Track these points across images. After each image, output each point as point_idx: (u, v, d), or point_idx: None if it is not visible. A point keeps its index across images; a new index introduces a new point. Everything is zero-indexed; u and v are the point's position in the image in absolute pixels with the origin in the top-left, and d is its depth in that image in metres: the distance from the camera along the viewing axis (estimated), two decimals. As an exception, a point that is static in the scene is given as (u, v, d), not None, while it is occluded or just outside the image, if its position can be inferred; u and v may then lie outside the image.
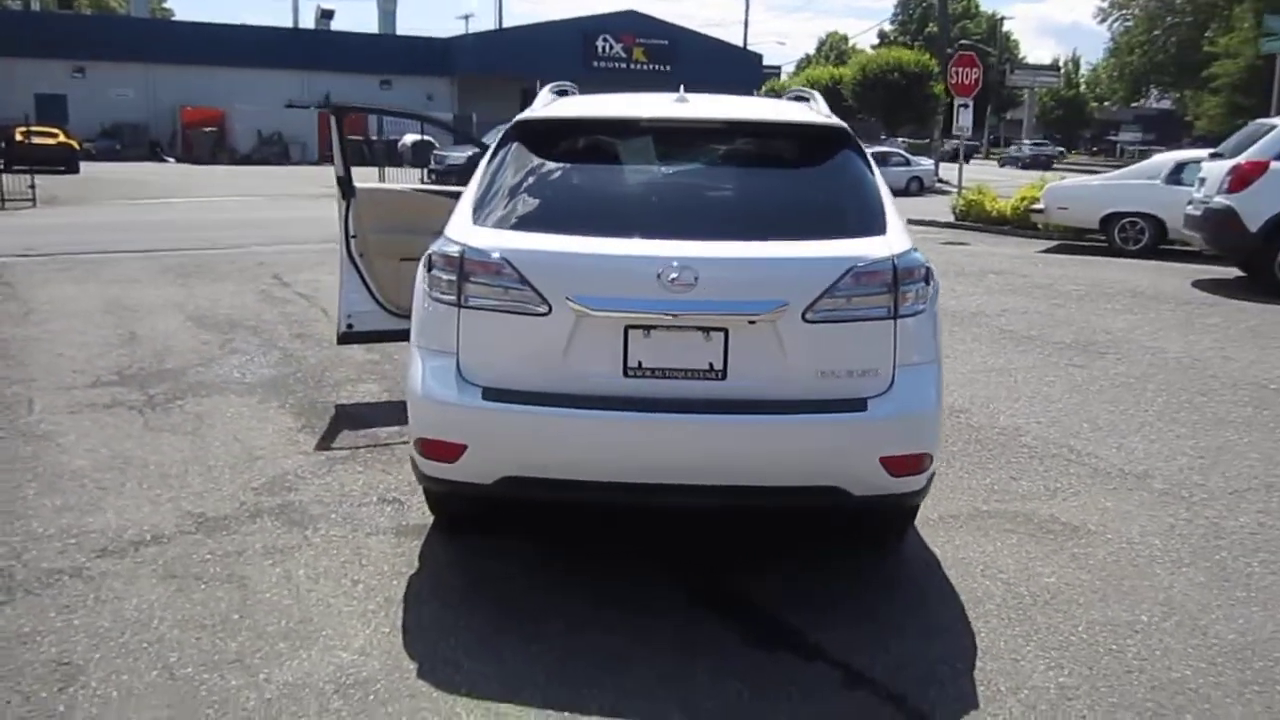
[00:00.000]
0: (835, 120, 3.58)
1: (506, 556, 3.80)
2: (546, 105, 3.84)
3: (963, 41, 56.26)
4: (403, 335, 5.88)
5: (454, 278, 3.19)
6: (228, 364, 6.62)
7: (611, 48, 44.30)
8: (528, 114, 3.67)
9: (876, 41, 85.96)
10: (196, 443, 5.00)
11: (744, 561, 3.84)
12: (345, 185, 5.65)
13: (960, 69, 17.50)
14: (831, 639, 3.26)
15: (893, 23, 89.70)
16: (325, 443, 5.09)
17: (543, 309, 3.13)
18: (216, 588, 3.47)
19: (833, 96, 40.35)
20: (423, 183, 25.20)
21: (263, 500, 4.27)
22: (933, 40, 72.46)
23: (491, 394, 3.17)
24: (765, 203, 3.41)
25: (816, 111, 3.79)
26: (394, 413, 5.57)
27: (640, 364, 3.14)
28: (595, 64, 43.77)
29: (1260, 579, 3.80)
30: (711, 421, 3.11)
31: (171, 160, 37.03)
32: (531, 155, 3.52)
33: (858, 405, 3.16)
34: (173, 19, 58.35)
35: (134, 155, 36.34)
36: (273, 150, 38.87)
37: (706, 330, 3.12)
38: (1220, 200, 9.82)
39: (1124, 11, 68.74)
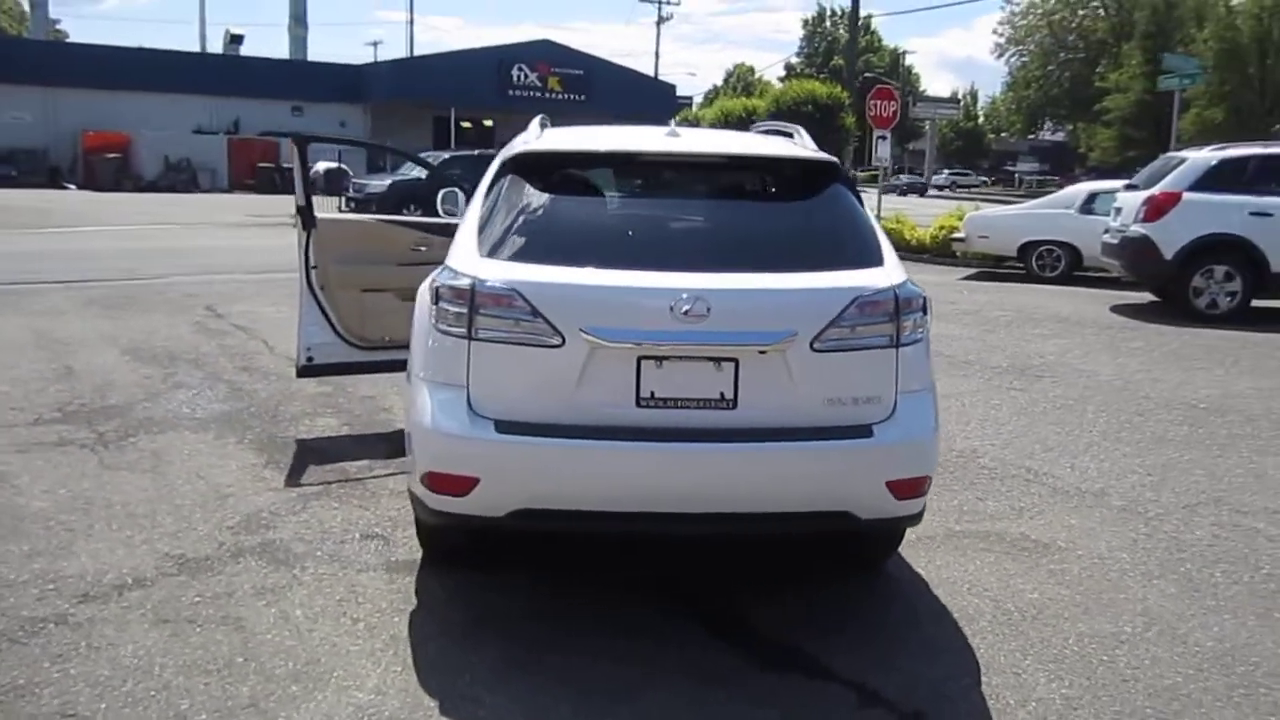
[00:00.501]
0: (826, 155, 3.69)
1: (505, 590, 3.78)
2: (539, 138, 3.86)
3: (867, 74, 58.00)
4: (364, 368, 5.88)
5: (464, 310, 3.18)
6: (174, 399, 6.42)
7: (526, 77, 44.31)
8: (525, 147, 3.69)
9: (784, 74, 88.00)
10: (159, 481, 4.84)
11: (742, 587, 3.89)
12: (306, 215, 5.57)
13: (878, 101, 18.05)
14: (841, 661, 3.33)
15: (799, 55, 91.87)
16: (294, 479, 4.98)
17: (556, 340, 3.14)
18: (213, 630, 3.37)
19: (747, 127, 41.13)
20: (340, 211, 24.97)
21: (242, 539, 4.16)
22: (837, 73, 74.40)
23: (504, 426, 3.16)
24: (768, 235, 3.49)
25: (803, 146, 3.90)
26: (357, 447, 5.50)
27: (653, 394, 3.17)
28: (511, 92, 43.71)
29: (1225, 589, 4.00)
30: (724, 450, 3.16)
31: (73, 187, 35.61)
32: (531, 187, 3.54)
33: (864, 431, 3.25)
34: (71, 41, 56.37)
35: (32, 182, 34.84)
36: (180, 177, 37.70)
37: (718, 360, 3.17)
38: (1137, 229, 10.32)
39: (1020, 47, 71.72)
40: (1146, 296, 11.73)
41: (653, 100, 47.62)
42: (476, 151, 24.67)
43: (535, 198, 3.53)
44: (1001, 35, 73.69)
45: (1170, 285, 10.45)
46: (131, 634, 3.31)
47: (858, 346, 3.23)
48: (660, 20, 65.88)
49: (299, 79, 43.24)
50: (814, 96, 33.95)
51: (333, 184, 31.38)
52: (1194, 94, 47.55)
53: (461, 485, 3.20)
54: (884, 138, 17.99)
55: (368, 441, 5.68)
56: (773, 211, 3.60)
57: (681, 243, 3.48)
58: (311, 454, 5.38)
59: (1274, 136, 39.19)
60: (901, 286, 3.30)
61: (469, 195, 5.78)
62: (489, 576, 3.87)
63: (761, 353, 3.17)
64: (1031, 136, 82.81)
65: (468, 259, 3.33)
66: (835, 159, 3.64)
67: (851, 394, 3.25)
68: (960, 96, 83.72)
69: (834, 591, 3.93)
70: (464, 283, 3.21)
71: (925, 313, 3.35)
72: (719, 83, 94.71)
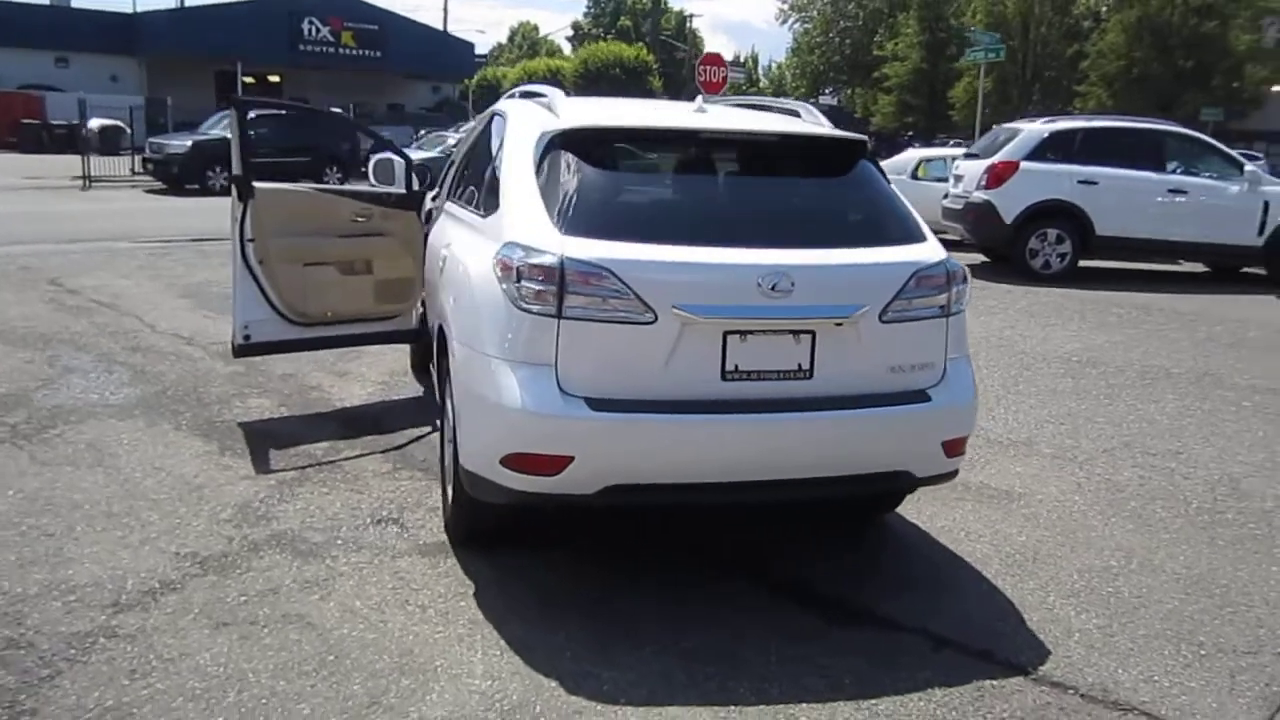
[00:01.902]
0: (858, 134, 3.86)
1: (552, 567, 3.78)
2: (579, 114, 3.80)
3: (657, 37, 58.75)
4: (304, 345, 5.62)
5: (553, 288, 3.14)
6: (74, 385, 5.88)
7: (318, 31, 42.06)
8: (578, 122, 3.63)
9: (571, 34, 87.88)
10: (115, 476, 4.47)
11: (776, 550, 4.06)
12: (243, 185, 5.21)
13: (708, 67, 18.44)
14: (897, 610, 3.57)
15: (587, 15, 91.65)
16: (262, 466, 4.71)
17: (647, 317, 3.17)
18: (283, 630, 3.20)
19: (558, 87, 40.89)
20: (135, 173, 23.03)
21: (249, 533, 3.94)
22: (625, 34, 75.21)
23: (597, 404, 3.17)
24: (827, 211, 3.63)
25: (823, 125, 4.05)
26: (307, 429, 5.27)
27: (737, 367, 3.26)
28: (301, 47, 41.45)
29: (1170, 522, 4.53)
30: (804, 419, 3.30)
31: None
32: (589, 163, 3.51)
33: (923, 396, 3.47)
34: None
35: None
36: (-77, 133, 33.48)
37: (796, 333, 3.30)
38: (979, 195, 11.18)
39: (802, 14, 74.65)
40: (978, 257, 12.72)
41: (450, 59, 46.49)
42: (285, 109, 23.27)
43: (597, 174, 3.51)
44: (785, 2, 76.48)
45: (1008, 247, 11.40)
46: (197, 641, 3.11)
47: (917, 317, 3.44)
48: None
49: (62, 27, 39.17)
50: (621, 59, 34.24)
51: (108, 143, 29.16)
52: (963, 65, 51.30)
53: (554, 465, 3.18)
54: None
55: (315, 422, 5.44)
56: (825, 188, 3.73)
57: (754, 219, 3.56)
58: (263, 438, 5.10)
59: (1035, 106, 42.94)
60: (949, 260, 3.53)
61: (410, 165, 5.63)
62: (529, 555, 3.85)
63: (838, 325, 3.32)
64: (812, 101, 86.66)
65: (543, 236, 3.27)
66: (865, 138, 3.81)
67: (910, 361, 3.47)
68: (743, 60, 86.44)
69: (858, 546, 4.17)
70: (550, 260, 3.16)
71: (966, 284, 3.60)
72: (503, 40, 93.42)
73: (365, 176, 20.16)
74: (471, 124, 5.65)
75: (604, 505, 3.31)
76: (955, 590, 3.80)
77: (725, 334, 3.23)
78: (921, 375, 3.50)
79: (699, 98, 4.25)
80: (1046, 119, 12.17)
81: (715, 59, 18.70)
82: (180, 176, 20.96)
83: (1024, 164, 10.98)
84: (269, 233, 5.29)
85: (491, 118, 4.82)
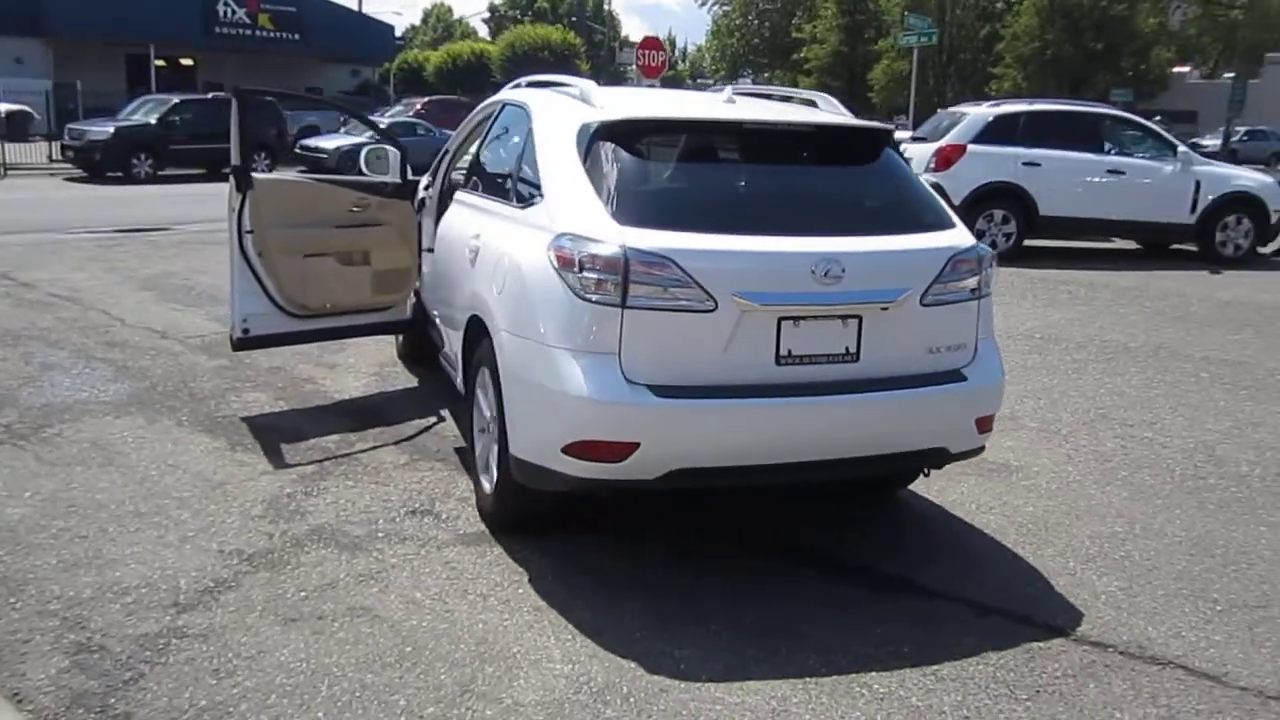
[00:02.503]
0: (884, 124, 3.99)
1: (603, 551, 3.85)
2: (620, 105, 3.84)
3: (573, 18, 58.40)
4: (303, 338, 5.59)
5: (616, 278, 3.20)
6: (59, 382, 5.72)
7: (234, 13, 40.67)
8: (616, 114, 3.67)
9: (488, 15, 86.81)
10: (130, 475, 4.39)
11: (806, 526, 4.20)
12: (242, 176, 5.12)
13: (646, 51, 18.50)
14: (932, 579, 3.75)
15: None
16: (278, 461, 4.68)
17: (709, 305, 3.25)
18: (352, 624, 3.23)
19: (482, 72, 40.52)
20: (53, 160, 22.15)
21: (287, 529, 3.92)
22: (542, 16, 74.63)
23: (661, 390, 3.25)
24: (866, 198, 3.75)
25: (844, 114, 4.17)
26: (311, 423, 5.24)
27: (790, 352, 3.37)
28: (217, 30, 40.06)
29: (1160, 489, 4.80)
30: (853, 400, 3.43)
31: None
32: (635, 154, 3.58)
33: (959, 376, 3.63)
34: None
35: None
36: None
37: (844, 318, 3.42)
38: (929, 177, 11.44)
39: (722, -3, 74.99)
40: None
41: (370, 42, 45.52)
42: (211, 95, 22.61)
43: (647, 164, 3.58)
44: (704, -15, 76.69)
45: (958, 228, 11.71)
46: (271, 638, 3.11)
47: (953, 300, 3.59)
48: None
49: (-42, 5, 37.24)
50: (549, 42, 34.00)
51: (16, 129, 28.03)
52: (884, 47, 52.19)
53: (620, 451, 3.25)
54: (653, 86, 18.47)
55: (318, 416, 5.40)
56: (861, 176, 3.84)
57: (801, 208, 3.66)
58: (271, 433, 5.05)
59: (952, 87, 43.93)
60: (979, 246, 3.69)
61: (405, 155, 5.61)
62: (571, 541, 3.91)
63: (884, 309, 3.45)
64: (733, 84, 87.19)
65: (600, 226, 3.32)
66: (891, 127, 3.94)
67: (947, 343, 3.62)
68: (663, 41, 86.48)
69: (882, 523, 4.34)
70: (614, 251, 3.22)
71: (993, 268, 3.76)
72: (417, 23, 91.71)
73: (294, 162, 19.80)
74: (473, 116, 5.61)
75: (664, 490, 3.39)
76: (981, 559, 3.98)
77: (779, 320, 3.34)
78: (956, 355, 3.66)
79: (727, 88, 4.34)
80: (992, 102, 12.55)
81: (654, 43, 18.76)
82: (103, 164, 20.25)
83: (971, 147, 11.32)
84: (269, 224, 5.21)
85: (502, 108, 4.83)
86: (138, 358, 6.32)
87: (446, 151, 5.83)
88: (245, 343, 5.34)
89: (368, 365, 6.38)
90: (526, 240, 3.61)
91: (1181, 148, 11.65)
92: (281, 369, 6.17)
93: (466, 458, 4.74)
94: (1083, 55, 38.97)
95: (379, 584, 3.50)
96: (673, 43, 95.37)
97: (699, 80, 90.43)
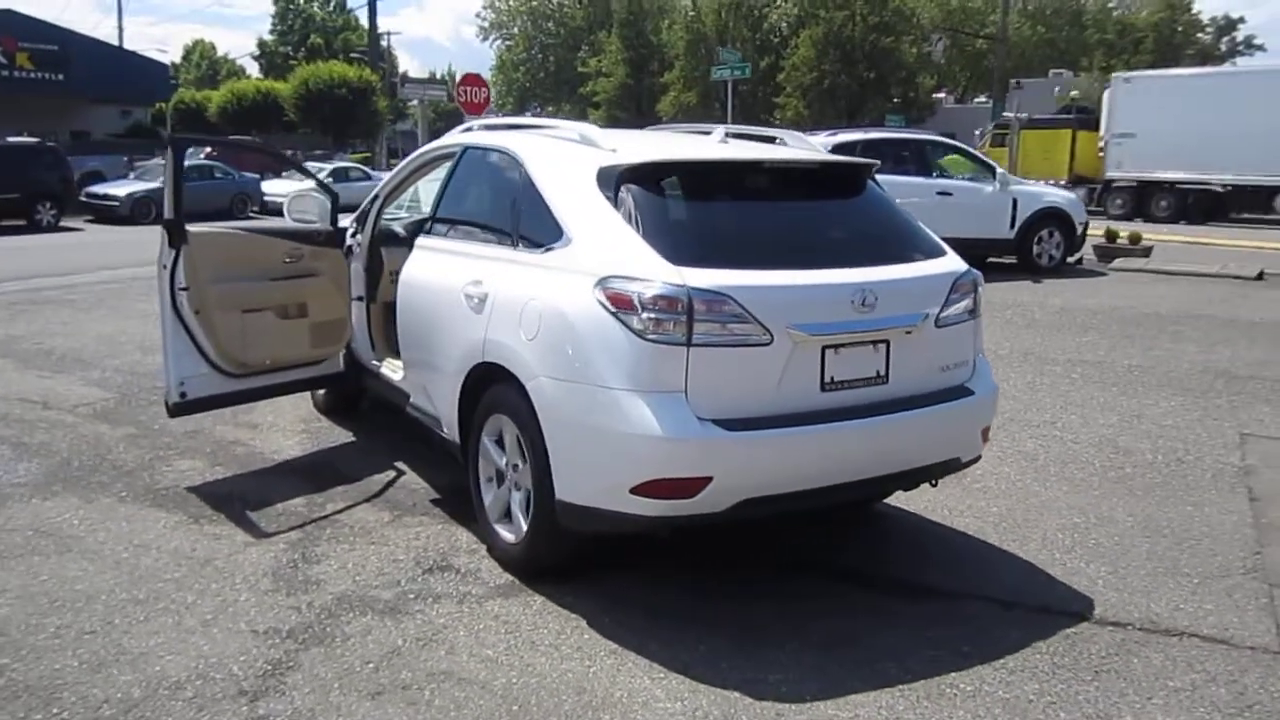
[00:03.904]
0: (870, 160, 4.25)
1: (640, 588, 3.87)
2: (637, 148, 3.91)
3: (353, 55, 57.28)
4: (243, 397, 5.30)
5: (680, 317, 3.27)
6: (-50, 468, 5.14)
7: (-13, 52, 37.41)
8: (639, 157, 3.73)
9: (258, 53, 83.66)
10: (101, 560, 4.03)
11: (809, 542, 4.38)
12: (175, 230, 4.80)
13: (468, 88, 18.41)
14: (948, 582, 4.02)
15: (273, 33, 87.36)
16: (255, 530, 4.41)
17: (765, 339, 3.37)
18: (442, 689, 3.12)
19: (270, 111, 38.81)
20: None
21: (310, 600, 3.72)
22: (316, 52, 72.61)
23: (728, 424, 3.33)
24: (875, 230, 3.97)
25: (821, 150, 4.41)
26: (265, 487, 5.00)
27: (833, 379, 3.55)
28: (-33, 70, 36.73)
29: (1089, 480, 5.30)
30: (887, 420, 3.63)
31: None
32: (666, 196, 3.66)
33: (966, 391, 3.92)
34: None
35: None
36: None
37: (875, 343, 3.63)
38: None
39: (504, 31, 75.42)
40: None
41: (142, 81, 42.90)
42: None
43: (680, 205, 3.66)
44: (485, 20, 76.96)
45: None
46: (366, 714, 2.96)
47: (957, 321, 3.88)
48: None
49: None
50: (346, 80, 33.08)
51: None
52: (670, 79, 54.03)
53: (693, 487, 3.31)
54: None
55: (267, 479, 5.13)
56: (864, 208, 4.05)
57: (829, 241, 3.83)
58: (229, 502, 4.75)
59: (737, 117, 45.99)
60: (972, 269, 4.00)
61: (336, 201, 5.45)
62: (604, 580, 3.91)
63: (908, 333, 3.68)
64: (527, 115, 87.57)
65: (652, 266, 3.37)
66: (876, 162, 4.21)
67: (954, 360, 3.90)
68: (442, 77, 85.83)
69: (876, 534, 4.58)
70: (676, 291, 3.29)
71: (982, 289, 4.08)
72: (178, 59, 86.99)
73: (81, 210, 18.66)
74: (411, 160, 5.48)
75: (728, 521, 3.47)
76: (980, 559, 4.29)
77: (823, 348, 3.50)
78: (961, 372, 3.94)
79: (720, 128, 4.48)
80: (829, 132, 13.31)
81: (476, 80, 18.71)
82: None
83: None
84: (205, 280, 4.91)
85: (463, 152, 4.75)
86: (31, 432, 5.76)
87: (377, 197, 5.67)
88: (183, 407, 4.99)
89: (289, 422, 6.08)
90: (558, 284, 3.61)
91: (999, 169, 12.80)
92: (199, 432, 5.79)
93: (451, 510, 4.65)
94: (857, 84, 41.81)
95: (443, 646, 3.39)
96: (453, 77, 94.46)
97: (485, 114, 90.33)
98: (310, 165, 27.01)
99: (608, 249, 3.54)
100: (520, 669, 3.25)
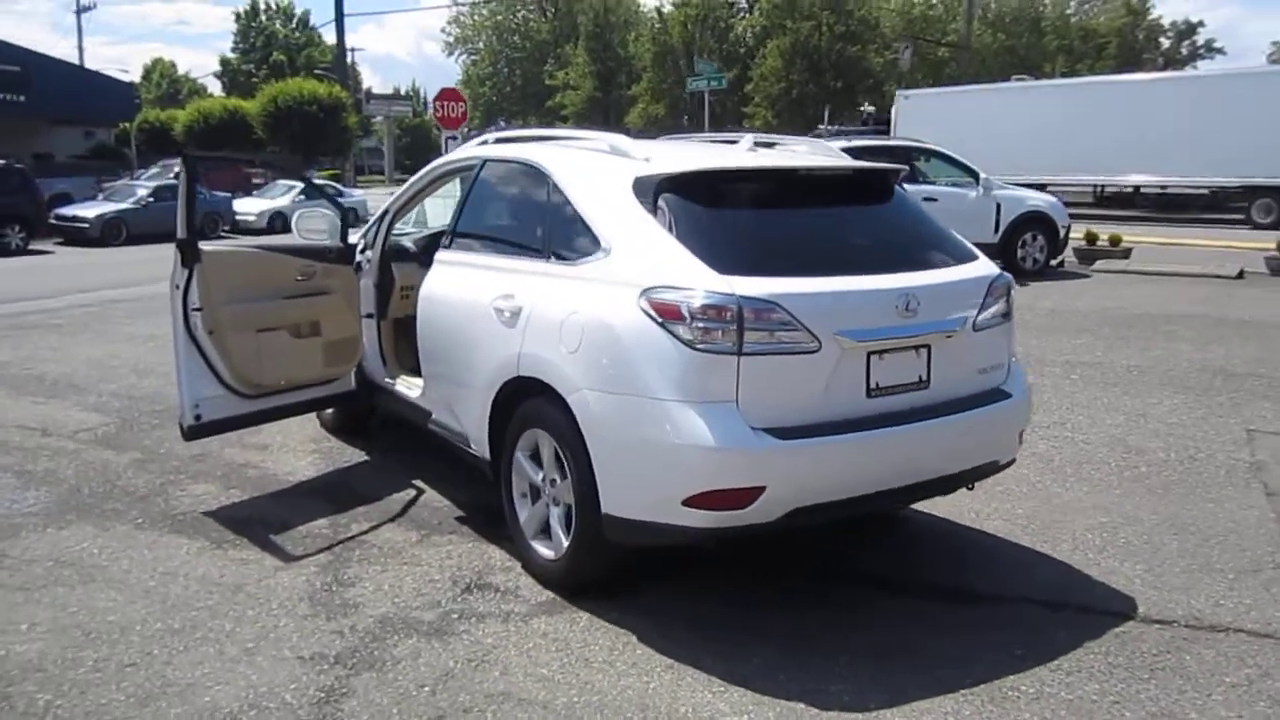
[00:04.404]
0: (898, 166, 4.25)
1: (682, 601, 3.84)
2: (670, 158, 3.89)
3: (317, 71, 56.99)
4: (257, 419, 5.22)
5: (732, 326, 3.25)
6: (-44, 499, 5.01)
7: (-57, 73, 36.69)
8: (675, 167, 3.71)
9: (220, 69, 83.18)
10: (129, 590, 3.93)
11: (834, 550, 4.36)
12: (189, 249, 4.72)
13: (445, 103, 18.35)
14: (990, 585, 4.03)
15: (235, 50, 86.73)
16: (281, 554, 4.33)
17: (814, 346, 3.36)
18: (505, 710, 3.07)
19: (238, 129, 38.41)
20: None
21: (353, 624, 3.65)
22: (279, 69, 72.27)
23: (780, 433, 3.31)
24: (909, 236, 3.96)
25: (843, 156, 4.42)
26: (284, 508, 4.91)
27: (877, 384, 3.54)
28: (-75, 91, 36.00)
29: (1108, 480, 5.33)
30: (932, 425, 3.63)
31: None
32: (704, 205, 3.63)
33: (1004, 394, 3.93)
34: None
35: None
36: None
37: (917, 348, 3.63)
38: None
39: (469, 46, 75.32)
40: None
41: (106, 101, 42.21)
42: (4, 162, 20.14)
43: (719, 214, 3.64)
44: (450, 35, 76.81)
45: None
46: (431, 737, 2.90)
47: (993, 324, 3.89)
48: (81, 9, 57.97)
49: None
50: (315, 96, 32.84)
51: None
52: (638, 91, 54.21)
53: (746, 498, 3.29)
54: (454, 138, 18.35)
55: (286, 502, 5.04)
56: (897, 214, 4.05)
57: (870, 247, 3.82)
58: (250, 526, 4.66)
59: (714, 126, 46.20)
60: (1005, 273, 4.01)
61: (345, 218, 5.39)
62: (646, 592, 3.87)
63: (948, 337, 3.68)
64: (479, 132, 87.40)
65: (699, 275, 3.35)
66: (903, 168, 4.21)
67: (991, 363, 3.91)
68: (407, 93, 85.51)
69: (908, 539, 4.57)
70: (726, 300, 3.26)
71: (1014, 292, 4.09)
72: (137, 79, 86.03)
73: (51, 232, 18.32)
74: (422, 175, 5.42)
75: (777, 530, 3.44)
76: (1016, 561, 4.29)
77: (869, 354, 3.49)
78: (996, 375, 3.95)
79: (747, 137, 4.47)
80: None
81: (453, 94, 18.65)
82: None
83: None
84: (219, 300, 4.83)
85: (482, 165, 4.71)
86: (34, 460, 5.63)
87: (386, 213, 5.61)
88: (198, 430, 4.90)
89: (298, 442, 5.99)
90: (599, 296, 3.58)
91: (983, 175, 12.92)
92: (207, 455, 5.68)
93: (478, 527, 4.59)
94: (825, 93, 42.13)
95: (496, 666, 3.34)
96: (417, 92, 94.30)
97: (442, 130, 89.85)
98: (283, 183, 26.92)
99: (650, 259, 3.51)
100: (579, 688, 3.20)
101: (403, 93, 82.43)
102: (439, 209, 6.66)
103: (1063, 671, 3.32)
